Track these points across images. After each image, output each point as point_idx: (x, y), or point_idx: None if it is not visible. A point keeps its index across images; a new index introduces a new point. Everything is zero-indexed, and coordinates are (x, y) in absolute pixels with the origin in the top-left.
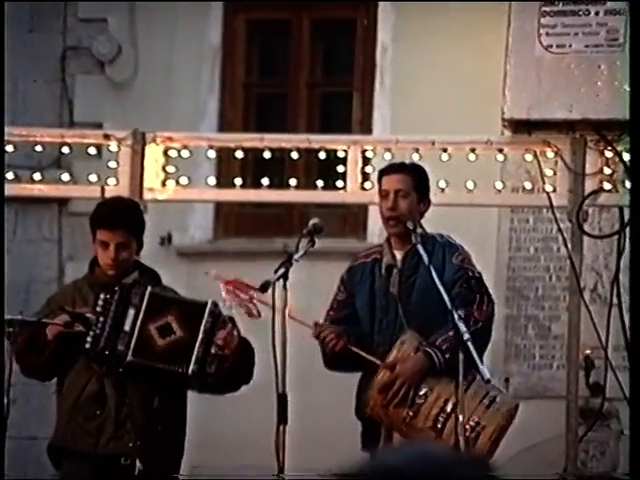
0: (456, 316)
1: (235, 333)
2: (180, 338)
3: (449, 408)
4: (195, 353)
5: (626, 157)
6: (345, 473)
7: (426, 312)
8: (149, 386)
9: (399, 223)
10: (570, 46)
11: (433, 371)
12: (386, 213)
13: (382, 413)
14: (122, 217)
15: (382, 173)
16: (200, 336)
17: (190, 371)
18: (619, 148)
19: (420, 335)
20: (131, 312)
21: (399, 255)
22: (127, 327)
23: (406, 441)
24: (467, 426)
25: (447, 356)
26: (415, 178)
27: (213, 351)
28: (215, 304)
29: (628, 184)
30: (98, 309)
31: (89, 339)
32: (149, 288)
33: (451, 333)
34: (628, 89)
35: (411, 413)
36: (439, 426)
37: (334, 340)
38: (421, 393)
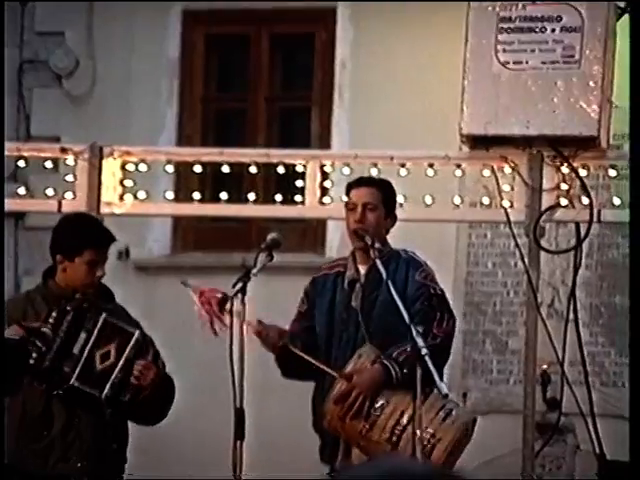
0: (414, 331)
1: (154, 367)
2: (110, 364)
3: (405, 420)
4: (112, 378)
5: (582, 173)
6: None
7: (388, 327)
8: (82, 410)
9: (360, 236)
10: (527, 62)
11: (390, 383)
12: (353, 225)
13: (339, 426)
14: (109, 234)
15: (350, 186)
16: (121, 363)
17: (104, 395)
18: (575, 164)
19: (380, 350)
20: (82, 336)
21: (363, 270)
22: (76, 350)
23: (363, 454)
24: (422, 438)
25: (404, 369)
26: (383, 192)
27: (132, 381)
28: (143, 334)
29: (585, 200)
30: (49, 326)
31: (34, 355)
32: (104, 315)
33: (409, 347)
34: (619, 105)
35: (367, 425)
36: (394, 439)
37: (275, 339)
38: (377, 405)
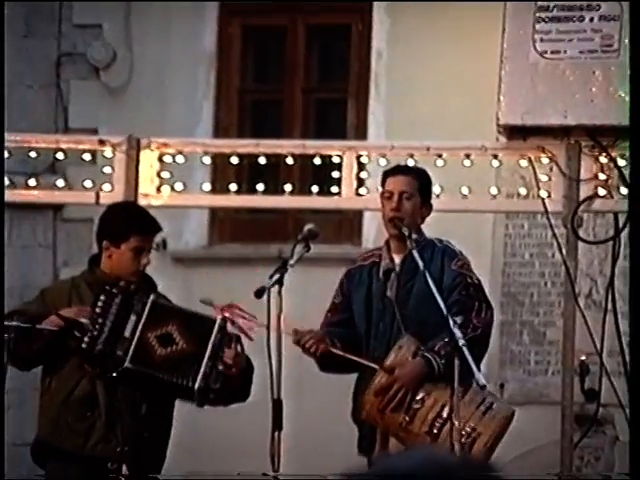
0: (451, 322)
1: (242, 354)
2: (182, 350)
3: (445, 413)
4: (203, 368)
5: (621, 163)
6: (350, 475)
7: (423, 317)
8: (140, 393)
9: (397, 226)
10: (565, 52)
11: (431, 377)
12: (389, 214)
13: (378, 417)
14: (156, 222)
15: (387, 174)
16: (208, 352)
17: (197, 386)
18: (614, 154)
19: (417, 340)
20: (132, 318)
21: (397, 259)
22: (127, 333)
23: (402, 446)
24: (463, 432)
25: (445, 362)
26: (420, 181)
27: (220, 368)
28: (224, 320)
29: (623, 190)
30: (97, 310)
31: (86, 339)
32: (152, 296)
33: (448, 339)
34: (623, 95)
35: (407, 418)
36: (435, 431)
37: (314, 346)
38: (418, 398)
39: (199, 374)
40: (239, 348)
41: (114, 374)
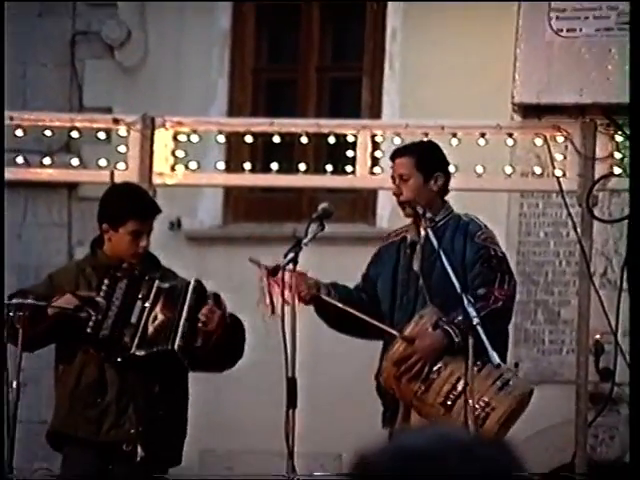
0: (465, 300)
1: (217, 310)
2: (163, 321)
3: (460, 386)
4: (181, 329)
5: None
6: (363, 455)
7: (447, 289)
8: (149, 372)
9: (409, 207)
10: (580, 30)
11: (450, 349)
12: (396, 199)
13: (395, 384)
14: (154, 205)
15: (390, 159)
16: (185, 313)
17: (176, 346)
18: (629, 132)
19: (440, 311)
20: (139, 304)
21: (424, 232)
22: (134, 319)
23: (424, 420)
24: (477, 405)
25: (465, 335)
26: (416, 158)
27: (200, 326)
28: (198, 281)
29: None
30: (102, 294)
31: (91, 323)
32: (157, 283)
33: (462, 317)
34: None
35: (423, 387)
36: (449, 403)
37: (304, 291)
38: (435, 368)
39: (177, 335)
40: (210, 304)
41: (119, 359)
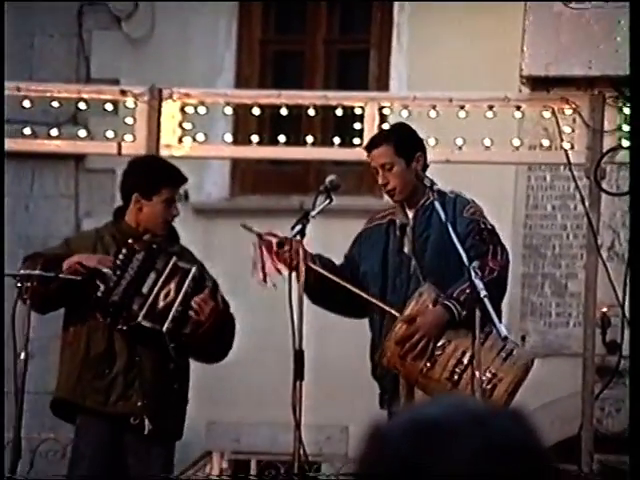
0: (473, 273)
1: (211, 301)
2: (173, 299)
3: (466, 360)
4: (172, 313)
5: None
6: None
7: (441, 267)
8: (161, 347)
9: (399, 193)
10: (589, 1)
11: (452, 324)
12: (383, 189)
13: (399, 364)
14: (183, 174)
15: (366, 150)
16: (180, 298)
17: (165, 329)
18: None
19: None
20: (152, 276)
21: (411, 213)
22: (145, 290)
23: (423, 392)
24: (484, 377)
25: (465, 308)
26: (395, 144)
27: (191, 314)
28: (200, 270)
29: None
30: (117, 262)
31: (102, 288)
32: (174, 258)
33: (467, 285)
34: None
35: (428, 364)
36: (456, 377)
37: (290, 258)
38: (439, 344)
39: (168, 317)
40: (206, 294)
41: (124, 327)
